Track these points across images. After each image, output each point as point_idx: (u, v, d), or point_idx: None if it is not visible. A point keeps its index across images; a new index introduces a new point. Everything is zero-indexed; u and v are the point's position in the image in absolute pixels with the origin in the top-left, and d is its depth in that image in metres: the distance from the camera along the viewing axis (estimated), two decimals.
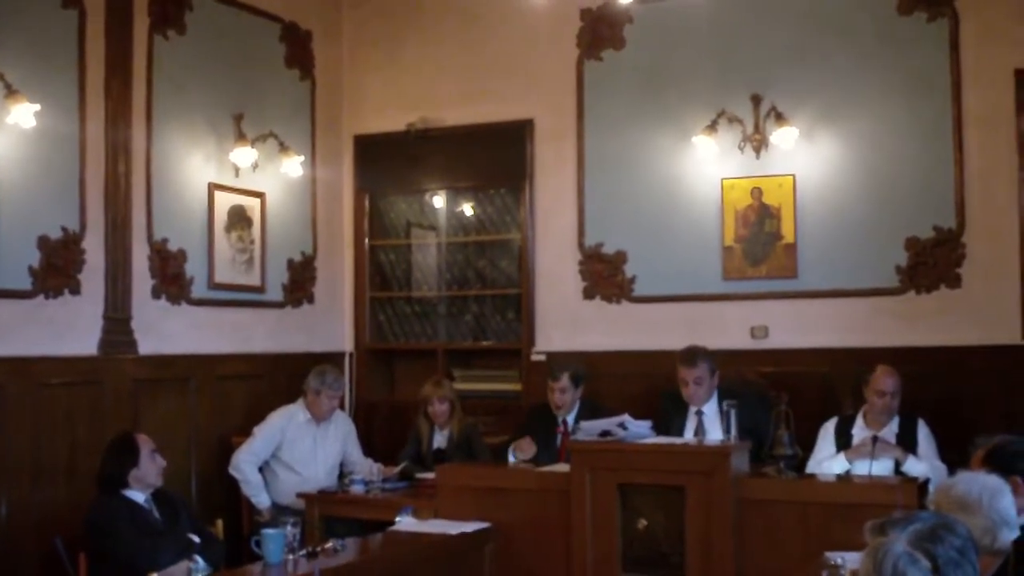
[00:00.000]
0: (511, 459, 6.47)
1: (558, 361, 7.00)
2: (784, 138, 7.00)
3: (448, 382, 7.24)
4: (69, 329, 6.23)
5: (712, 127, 7.19)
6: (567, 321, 7.74)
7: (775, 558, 4.87)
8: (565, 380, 6.59)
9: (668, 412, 6.44)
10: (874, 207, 6.93)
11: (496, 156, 8.07)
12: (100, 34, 6.46)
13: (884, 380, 6.07)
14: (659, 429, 6.15)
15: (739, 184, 7.23)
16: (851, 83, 7.00)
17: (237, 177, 7.36)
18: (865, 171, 6.96)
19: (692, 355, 6.35)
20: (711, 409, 6.30)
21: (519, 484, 5.80)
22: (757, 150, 7.13)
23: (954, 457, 4.93)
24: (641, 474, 5.37)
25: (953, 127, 6.74)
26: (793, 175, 7.09)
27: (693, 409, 6.38)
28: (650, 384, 7.00)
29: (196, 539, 5.15)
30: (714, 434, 6.06)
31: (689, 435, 6.28)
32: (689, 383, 6.32)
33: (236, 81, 7.42)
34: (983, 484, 3.23)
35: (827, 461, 6.04)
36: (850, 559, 3.66)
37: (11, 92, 5.81)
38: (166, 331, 6.83)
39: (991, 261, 6.68)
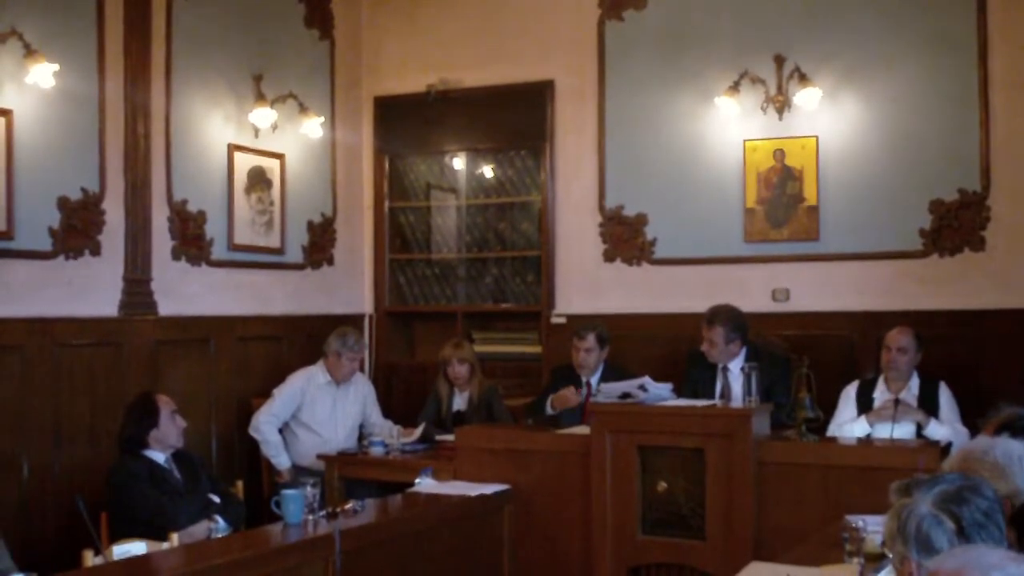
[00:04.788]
0: (548, 411, 6.47)
1: (581, 323, 6.97)
2: (807, 99, 6.93)
3: (468, 344, 7.23)
4: (89, 290, 6.24)
5: (734, 88, 7.13)
6: (587, 283, 7.71)
7: (795, 521, 4.85)
8: (591, 340, 6.55)
9: (694, 369, 6.40)
10: (898, 169, 6.86)
11: (516, 118, 8.02)
12: None
13: (894, 336, 6.06)
14: (684, 387, 6.13)
15: (761, 146, 7.16)
16: (875, 43, 6.91)
17: (257, 138, 7.34)
18: (889, 133, 6.88)
19: (711, 316, 6.25)
20: (737, 367, 6.23)
21: (539, 446, 5.79)
22: (780, 111, 7.06)
23: (975, 421, 4.90)
24: (661, 436, 5.35)
25: (979, 89, 6.65)
26: (816, 136, 7.02)
27: (720, 366, 6.33)
28: (671, 347, 6.99)
29: (216, 499, 5.18)
30: (738, 391, 6.03)
31: (718, 392, 6.24)
32: (704, 341, 6.27)
33: (255, 41, 7.38)
34: (1012, 449, 3.19)
35: (848, 424, 6.02)
36: (871, 522, 3.63)
37: (30, 52, 5.79)
38: (186, 292, 6.84)
39: (1016, 224, 6.60)
